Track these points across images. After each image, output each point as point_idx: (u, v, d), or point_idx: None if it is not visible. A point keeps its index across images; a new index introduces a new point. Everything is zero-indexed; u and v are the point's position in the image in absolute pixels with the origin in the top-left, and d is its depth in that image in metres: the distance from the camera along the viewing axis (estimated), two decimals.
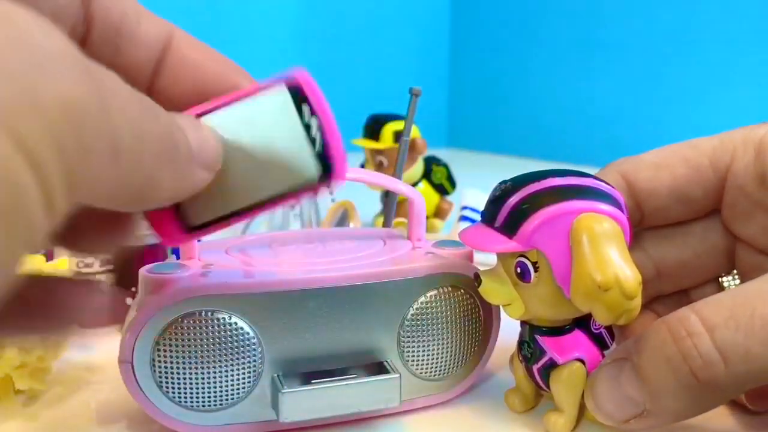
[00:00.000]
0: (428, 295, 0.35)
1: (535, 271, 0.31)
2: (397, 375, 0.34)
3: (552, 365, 0.34)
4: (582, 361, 0.33)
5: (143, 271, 0.33)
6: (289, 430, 0.34)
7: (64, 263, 0.40)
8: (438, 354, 0.36)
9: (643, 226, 0.38)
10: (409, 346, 0.35)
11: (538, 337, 0.34)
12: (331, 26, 1.64)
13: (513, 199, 0.32)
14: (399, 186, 0.40)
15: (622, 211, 0.32)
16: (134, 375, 0.31)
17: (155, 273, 0.32)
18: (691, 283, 0.39)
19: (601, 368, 0.32)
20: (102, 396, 0.39)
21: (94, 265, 0.48)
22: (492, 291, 0.33)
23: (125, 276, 0.47)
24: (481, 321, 0.37)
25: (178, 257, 0.35)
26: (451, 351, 0.36)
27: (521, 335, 0.35)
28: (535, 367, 0.34)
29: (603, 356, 0.34)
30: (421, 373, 0.36)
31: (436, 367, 0.36)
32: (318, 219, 0.64)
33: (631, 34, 1.38)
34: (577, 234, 0.30)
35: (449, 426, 0.36)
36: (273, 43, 1.55)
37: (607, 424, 0.32)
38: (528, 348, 0.34)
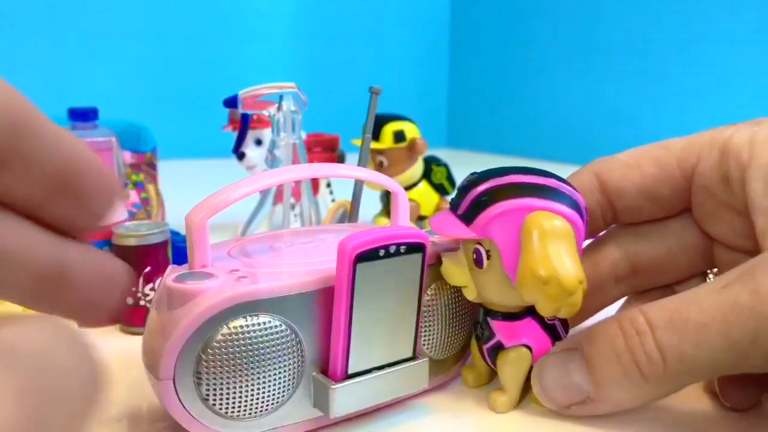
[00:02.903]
0: (439, 280, 0.37)
1: (488, 258, 0.34)
2: (426, 359, 0.35)
3: (499, 347, 0.36)
4: (529, 347, 0.36)
5: (170, 282, 0.31)
6: (322, 427, 0.34)
7: None
8: (447, 335, 0.38)
9: (618, 223, 0.39)
10: (424, 330, 0.37)
11: (490, 320, 0.36)
12: (331, 26, 1.63)
13: (476, 191, 0.34)
14: (383, 180, 0.40)
15: (580, 213, 0.34)
16: (176, 392, 0.30)
17: (186, 283, 0.31)
18: (670, 279, 0.40)
19: (550, 355, 0.35)
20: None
21: None
22: (449, 273, 0.36)
23: None
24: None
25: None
26: (457, 331, 0.38)
27: (477, 316, 0.37)
28: (485, 347, 0.37)
29: (552, 345, 0.36)
30: (434, 355, 0.38)
31: (445, 348, 0.38)
32: (318, 218, 0.64)
33: (630, 34, 1.38)
34: (527, 229, 0.32)
35: (448, 407, 0.36)
36: (273, 42, 1.55)
37: (549, 407, 0.35)
38: (480, 329, 0.37)
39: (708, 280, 0.39)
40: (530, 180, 0.34)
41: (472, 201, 0.34)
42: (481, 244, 0.34)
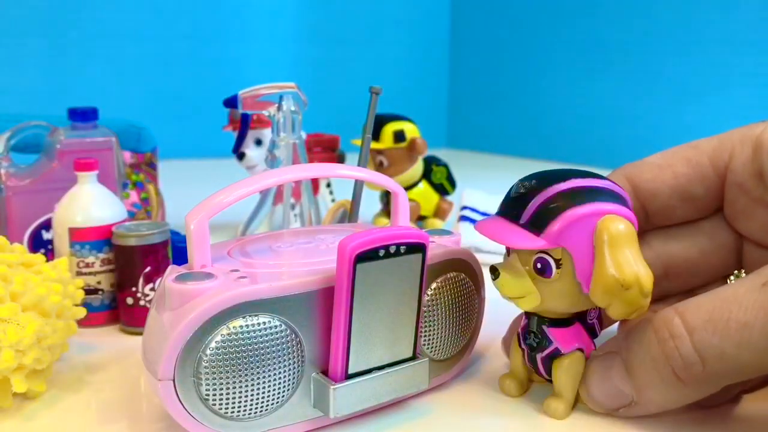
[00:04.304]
0: (439, 280, 0.37)
1: (558, 267, 0.33)
2: (427, 359, 0.35)
3: (556, 355, 0.35)
4: (582, 350, 0.35)
5: (170, 282, 0.31)
6: (322, 427, 0.35)
7: (63, 263, 0.40)
8: (446, 335, 0.38)
9: (650, 226, 0.39)
10: (424, 330, 0.37)
11: (545, 328, 0.35)
12: (331, 26, 1.63)
13: (539, 198, 0.33)
14: (383, 180, 0.40)
15: (634, 213, 0.34)
16: (176, 392, 0.30)
17: (186, 283, 0.31)
18: (700, 282, 0.39)
19: (593, 360, 0.35)
20: (103, 396, 0.39)
21: (95, 265, 0.48)
22: (509, 284, 0.34)
23: (125, 275, 0.48)
24: (476, 303, 0.39)
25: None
26: (456, 332, 0.38)
27: (526, 326, 0.36)
28: (539, 356, 0.36)
29: (594, 345, 0.36)
30: (434, 355, 0.38)
31: (444, 348, 0.38)
32: (318, 218, 0.64)
33: (630, 34, 1.38)
34: (600, 234, 0.31)
35: (448, 407, 0.37)
36: (272, 43, 1.55)
37: (598, 411, 0.35)
38: (535, 338, 0.36)
39: (729, 282, 0.39)
40: (590, 184, 0.33)
41: (537, 209, 0.33)
42: (547, 254, 0.33)
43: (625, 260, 0.31)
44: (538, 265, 0.33)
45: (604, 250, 0.31)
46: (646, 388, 0.32)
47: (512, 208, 0.34)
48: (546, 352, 0.35)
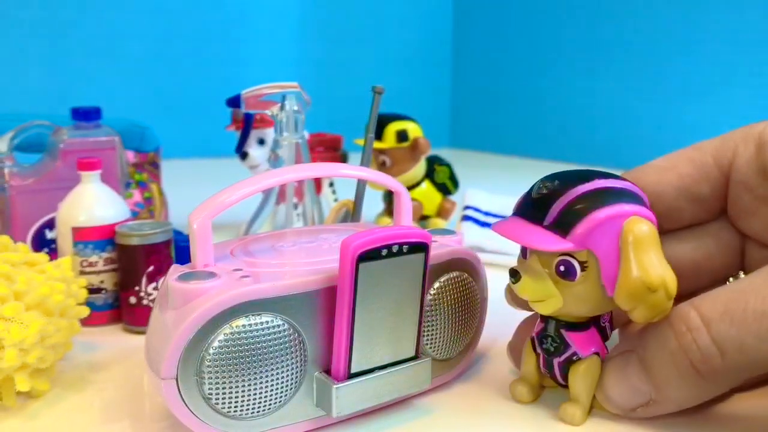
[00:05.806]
0: (441, 280, 0.37)
1: (582, 270, 0.32)
2: (429, 358, 0.35)
3: (573, 359, 0.35)
4: (598, 354, 0.35)
5: (173, 282, 0.31)
6: (324, 426, 0.35)
7: (66, 262, 0.41)
8: (448, 335, 0.38)
9: (659, 230, 0.39)
10: (426, 330, 0.37)
11: (564, 332, 0.35)
12: (333, 26, 1.63)
13: (564, 199, 0.32)
14: (386, 180, 0.40)
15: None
16: (179, 391, 0.30)
17: (189, 283, 0.31)
18: (702, 284, 0.39)
19: (609, 361, 0.34)
20: (105, 395, 0.39)
21: (98, 264, 0.48)
22: (530, 287, 0.33)
23: (128, 275, 0.48)
24: (479, 303, 0.39)
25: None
26: (458, 332, 0.38)
27: (543, 329, 0.36)
28: (556, 360, 0.35)
29: (606, 348, 0.36)
30: (436, 355, 0.38)
31: (446, 348, 0.38)
32: (321, 218, 0.64)
33: (633, 34, 1.37)
34: (626, 236, 0.31)
35: (450, 407, 0.36)
36: (275, 42, 1.55)
37: (615, 413, 0.34)
38: (552, 342, 0.35)
39: (728, 283, 0.39)
40: (613, 185, 0.33)
41: (562, 210, 0.32)
42: (572, 256, 0.32)
43: (650, 263, 0.30)
44: (561, 268, 0.32)
45: (629, 252, 0.31)
46: (665, 384, 0.32)
47: (535, 209, 0.33)
48: (564, 356, 0.35)
